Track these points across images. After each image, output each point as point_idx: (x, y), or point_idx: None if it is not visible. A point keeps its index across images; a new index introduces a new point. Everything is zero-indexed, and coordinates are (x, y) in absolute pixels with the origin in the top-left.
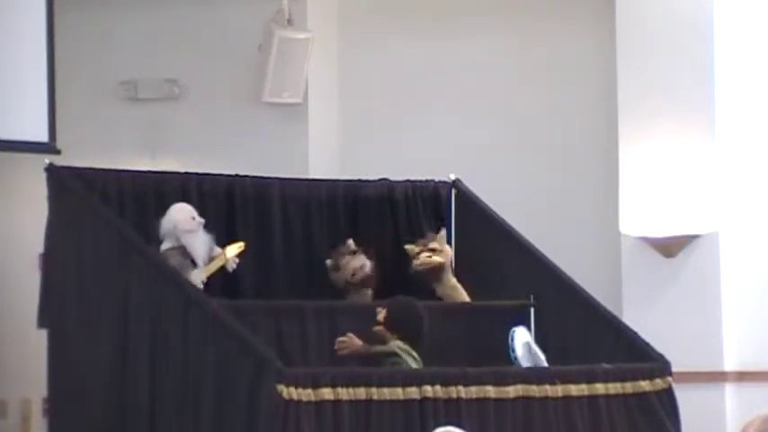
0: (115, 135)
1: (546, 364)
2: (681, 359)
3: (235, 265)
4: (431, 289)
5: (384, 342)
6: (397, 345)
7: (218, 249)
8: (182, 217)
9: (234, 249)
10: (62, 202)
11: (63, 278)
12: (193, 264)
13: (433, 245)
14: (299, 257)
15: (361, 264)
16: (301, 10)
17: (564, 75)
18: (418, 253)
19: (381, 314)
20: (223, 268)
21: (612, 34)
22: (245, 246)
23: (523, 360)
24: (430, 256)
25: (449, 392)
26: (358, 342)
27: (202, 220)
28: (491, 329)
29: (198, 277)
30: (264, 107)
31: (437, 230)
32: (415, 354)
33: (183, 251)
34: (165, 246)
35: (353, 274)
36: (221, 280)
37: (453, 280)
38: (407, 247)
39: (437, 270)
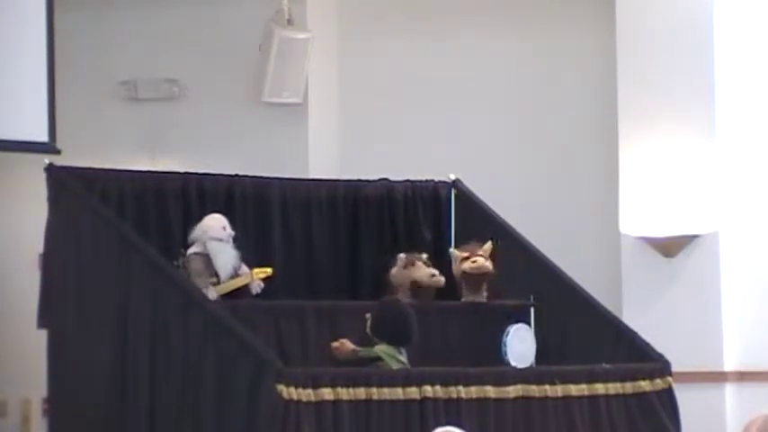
0: (115, 135)
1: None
2: (681, 359)
3: (260, 289)
4: (459, 296)
5: (371, 345)
6: (380, 349)
7: (245, 269)
8: (213, 224)
9: (261, 273)
10: (62, 202)
11: (63, 278)
12: (214, 274)
13: (480, 254)
14: (299, 257)
15: (432, 272)
16: (301, 10)
17: (564, 75)
18: (467, 257)
19: (369, 320)
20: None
21: (612, 34)
22: (273, 272)
23: (512, 359)
24: (477, 262)
25: (449, 392)
26: (350, 347)
27: (232, 233)
28: (491, 329)
29: (212, 294)
30: (264, 107)
31: (483, 241)
32: (401, 356)
33: (206, 259)
34: (191, 250)
35: (432, 275)
36: None
37: (485, 296)
38: (453, 251)
39: (485, 277)
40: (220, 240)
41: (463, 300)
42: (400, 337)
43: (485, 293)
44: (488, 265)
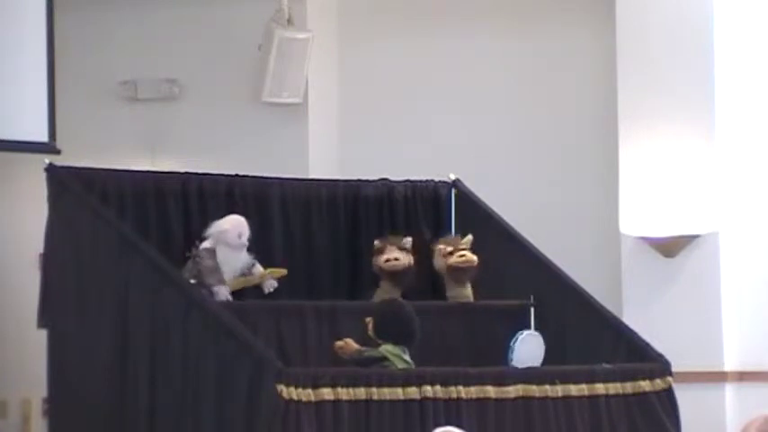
0: (115, 135)
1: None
2: (681, 359)
3: (272, 289)
4: (443, 290)
5: (375, 346)
6: (386, 349)
7: (259, 268)
8: (229, 229)
9: (275, 273)
10: (62, 202)
11: (63, 278)
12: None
13: (464, 247)
14: (299, 257)
15: (396, 256)
16: (301, 10)
17: (564, 75)
18: (451, 252)
19: (370, 324)
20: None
21: (612, 34)
22: (287, 273)
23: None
24: (465, 255)
25: (449, 392)
26: (354, 346)
27: (246, 243)
28: (491, 329)
29: (224, 292)
30: (264, 107)
31: (463, 235)
32: (406, 356)
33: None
34: (205, 244)
35: (387, 261)
36: None
37: (470, 288)
38: (438, 246)
39: (471, 271)
40: (231, 247)
41: (448, 294)
42: (404, 336)
43: (469, 290)
44: (475, 258)
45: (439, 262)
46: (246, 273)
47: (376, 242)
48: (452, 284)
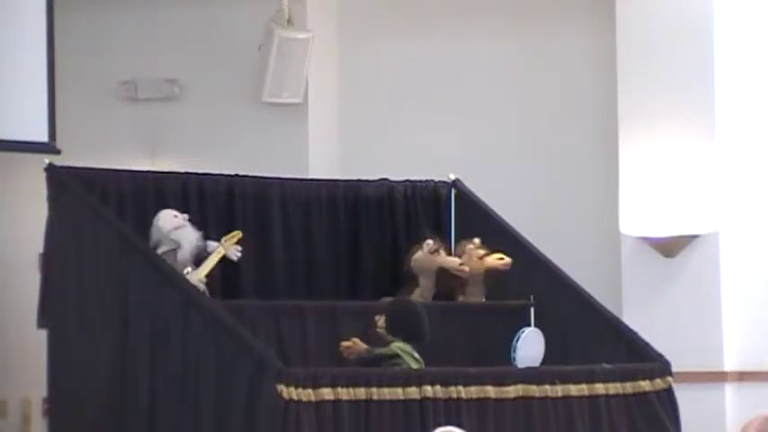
0: (115, 135)
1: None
2: (681, 359)
3: (239, 254)
4: (445, 292)
5: (385, 344)
6: (398, 346)
7: (213, 245)
8: (164, 218)
9: (231, 239)
10: (62, 202)
11: (63, 278)
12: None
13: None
14: (299, 257)
15: (461, 263)
16: (301, 10)
17: (564, 75)
18: (486, 254)
19: (380, 321)
20: (223, 261)
21: (612, 34)
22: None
23: (521, 364)
24: (503, 258)
25: (449, 392)
26: (362, 346)
27: (186, 216)
28: (491, 329)
29: (195, 276)
30: (264, 107)
31: (440, 236)
32: (416, 354)
33: (175, 254)
34: (160, 251)
35: (462, 264)
36: (221, 279)
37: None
38: (466, 247)
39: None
40: (179, 227)
41: (465, 297)
42: (415, 335)
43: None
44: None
45: (473, 263)
46: (203, 252)
47: (429, 241)
48: (480, 286)
